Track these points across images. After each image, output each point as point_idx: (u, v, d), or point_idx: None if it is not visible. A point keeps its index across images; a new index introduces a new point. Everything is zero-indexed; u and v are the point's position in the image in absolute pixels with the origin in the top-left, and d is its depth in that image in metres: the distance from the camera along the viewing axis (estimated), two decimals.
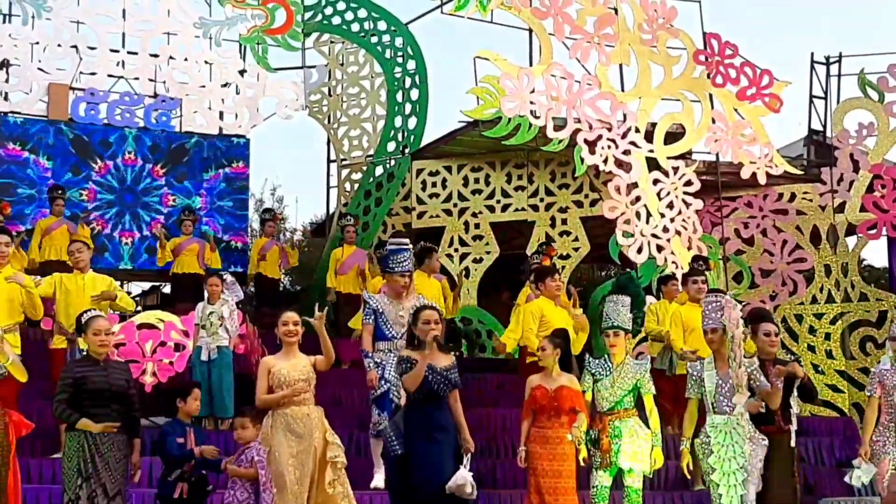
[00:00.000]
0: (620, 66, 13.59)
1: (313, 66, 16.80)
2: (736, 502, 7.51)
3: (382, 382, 8.74)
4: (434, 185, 15.47)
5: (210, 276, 11.14)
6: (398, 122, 15.87)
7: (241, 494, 7.21)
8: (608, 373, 8.35)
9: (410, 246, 9.33)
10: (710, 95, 13.60)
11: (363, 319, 9.08)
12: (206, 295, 11.01)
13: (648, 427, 8.31)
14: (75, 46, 15.03)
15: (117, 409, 7.14)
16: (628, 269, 12.99)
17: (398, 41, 16.01)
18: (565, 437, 8.00)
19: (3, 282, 8.75)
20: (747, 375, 7.59)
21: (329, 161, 17.11)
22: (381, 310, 8.97)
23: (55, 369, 9.14)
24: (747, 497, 7.55)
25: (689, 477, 8.36)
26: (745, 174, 13.49)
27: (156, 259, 14.25)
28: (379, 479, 8.82)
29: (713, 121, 13.46)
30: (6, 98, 14.60)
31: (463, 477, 6.97)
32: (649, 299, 11.67)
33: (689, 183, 13.22)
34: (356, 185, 16.29)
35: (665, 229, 12.97)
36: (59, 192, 13.48)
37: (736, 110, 13.62)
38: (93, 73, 15.18)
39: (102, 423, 6.97)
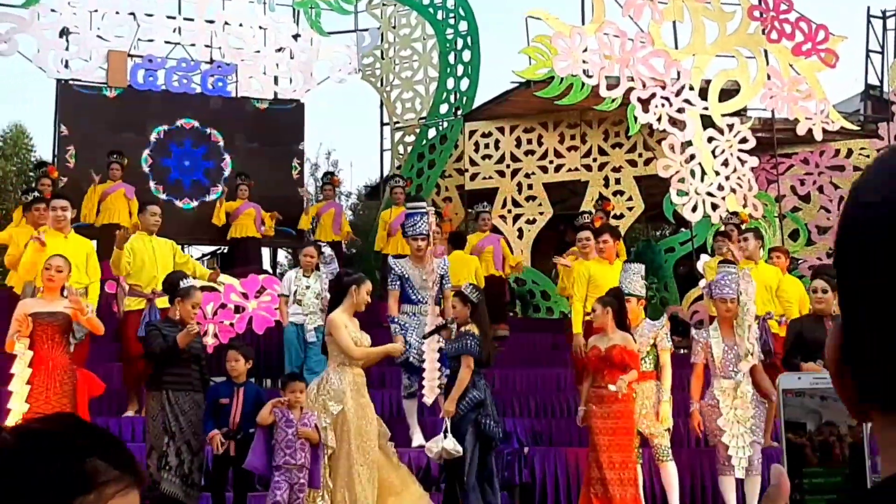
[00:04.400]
0: (674, 23, 13.51)
1: (366, 30, 16.85)
2: (744, 463, 8.00)
3: (406, 347, 8.85)
4: (487, 146, 15.51)
5: (307, 247, 10.59)
6: (450, 83, 15.90)
7: (299, 457, 7.35)
8: None
9: (427, 209, 9.38)
10: (765, 51, 13.48)
11: (388, 286, 9.23)
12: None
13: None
14: (133, 14, 15.19)
15: (195, 370, 7.44)
16: (649, 239, 12.99)
17: (450, 2, 16.00)
18: (617, 394, 8.13)
19: (69, 245, 8.92)
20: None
21: (382, 124, 17.18)
22: (405, 275, 9.10)
23: (130, 330, 9.33)
24: (754, 458, 8.03)
25: (700, 437, 8.61)
26: (800, 130, 13.38)
27: None
28: (419, 437, 8.97)
29: (768, 77, 13.35)
30: (67, 66, 14.80)
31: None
32: (703, 257, 11.67)
33: (744, 140, 13.14)
34: (409, 148, 16.37)
35: (720, 187, 12.92)
36: (116, 156, 13.63)
37: (791, 66, 13.49)
38: (150, 40, 15.34)
39: (186, 332, 7.27)
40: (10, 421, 7.09)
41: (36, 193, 11.97)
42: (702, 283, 11.63)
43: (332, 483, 7.20)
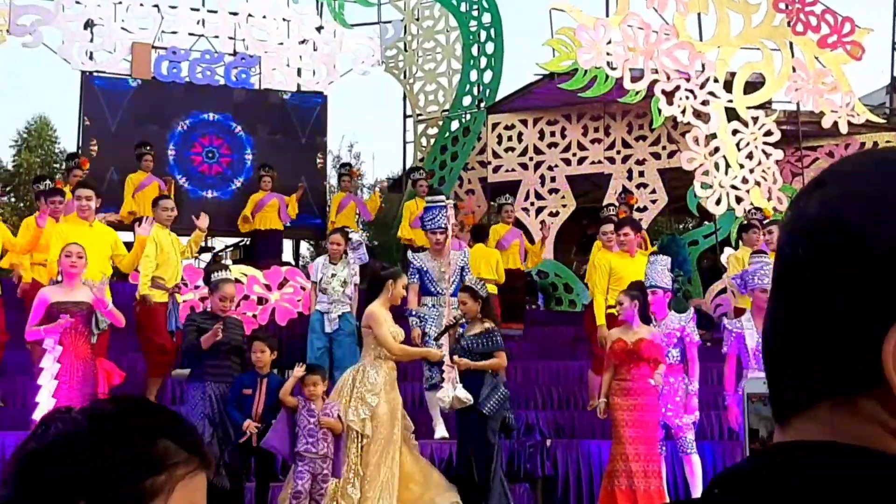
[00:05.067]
0: (699, 14, 13.45)
1: (389, 22, 16.84)
2: None
3: (426, 339, 8.88)
4: (510, 138, 15.48)
5: (333, 234, 10.39)
6: (473, 76, 15.88)
7: (321, 447, 7.35)
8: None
9: (446, 203, 9.42)
10: (791, 44, 13.40)
11: (408, 279, 9.24)
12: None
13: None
14: (157, 6, 15.23)
15: (236, 362, 7.50)
16: (672, 233, 12.93)
17: None
18: (646, 387, 8.10)
19: (94, 234, 8.95)
20: None
21: (405, 116, 17.18)
22: (424, 268, 9.16)
23: (153, 321, 9.36)
24: None
25: (737, 430, 8.52)
26: (826, 123, 13.30)
27: None
28: (442, 429, 8.97)
29: (793, 69, 13.27)
30: (91, 57, 14.85)
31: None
32: (727, 250, 11.63)
33: (768, 133, 13.07)
34: (432, 140, 16.36)
35: (744, 180, 12.86)
36: (147, 147, 13.65)
37: (817, 58, 13.40)
38: (174, 32, 15.38)
39: (212, 333, 7.34)
40: (38, 414, 7.15)
41: (48, 182, 11.96)
42: (725, 276, 11.60)
43: (364, 471, 7.25)
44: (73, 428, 1.22)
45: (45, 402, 7.26)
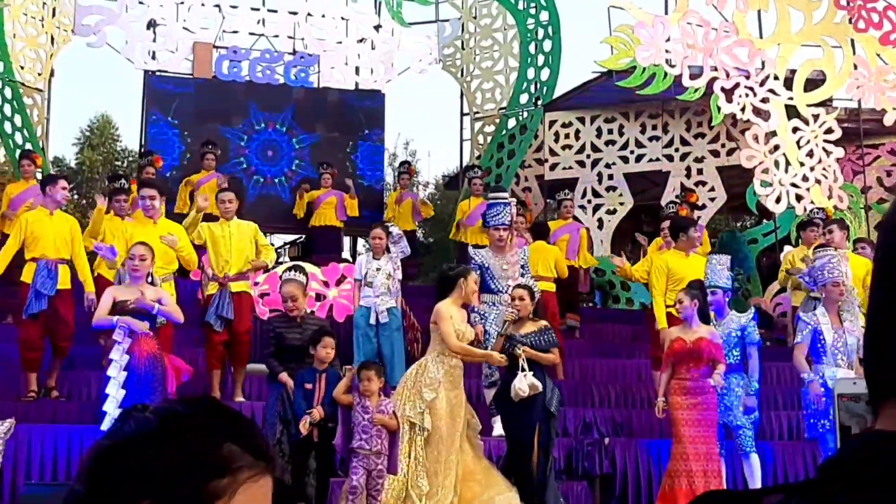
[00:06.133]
0: (759, 11, 13.35)
1: (447, 20, 16.90)
2: None
3: (486, 336, 8.88)
4: (567, 136, 15.46)
5: (374, 229, 10.25)
6: (531, 73, 15.86)
7: (374, 443, 7.40)
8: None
9: (509, 200, 9.44)
10: (852, 41, 13.25)
11: None
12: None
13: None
14: (218, 6, 15.45)
15: (308, 362, 7.59)
16: (733, 229, 12.84)
17: None
18: (705, 386, 8.08)
19: (158, 233, 9.07)
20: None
21: (462, 114, 17.21)
22: (486, 264, 9.14)
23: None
24: None
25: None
26: (888, 121, 13.15)
27: None
28: (500, 427, 8.98)
29: (855, 67, 13.13)
30: (154, 57, 15.10)
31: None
32: (786, 248, 11.55)
33: (829, 130, 12.95)
34: (489, 138, 16.37)
35: (805, 178, 12.76)
36: (211, 146, 13.82)
37: (879, 55, 13.25)
38: (235, 32, 15.60)
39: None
40: (109, 406, 7.31)
41: (123, 182, 12.18)
42: (781, 272, 11.49)
43: (427, 465, 7.34)
44: (144, 427, 1.24)
45: (114, 395, 7.41)
